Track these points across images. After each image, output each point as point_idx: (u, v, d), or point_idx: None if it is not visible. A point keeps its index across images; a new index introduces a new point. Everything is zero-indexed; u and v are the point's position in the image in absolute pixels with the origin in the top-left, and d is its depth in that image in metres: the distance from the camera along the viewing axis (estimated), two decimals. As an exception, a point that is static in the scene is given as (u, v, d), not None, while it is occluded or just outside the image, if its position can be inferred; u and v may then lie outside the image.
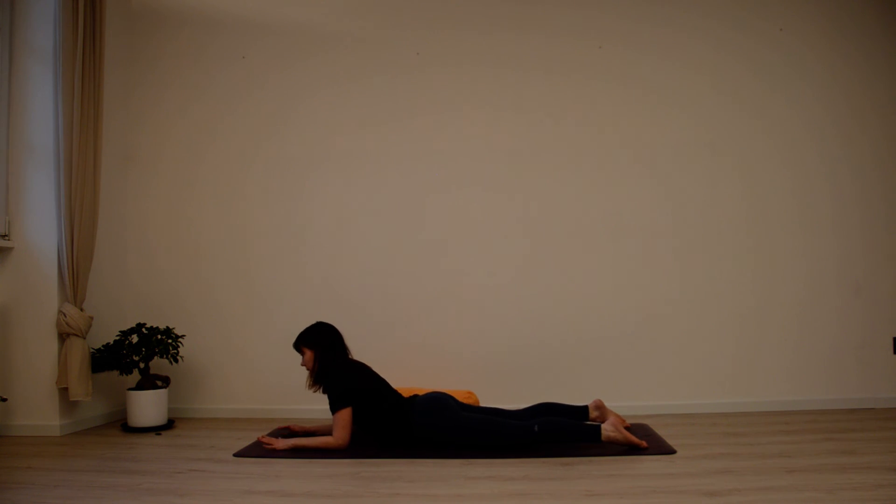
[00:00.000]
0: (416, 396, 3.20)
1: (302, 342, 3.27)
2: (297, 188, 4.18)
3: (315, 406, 3.83)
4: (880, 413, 3.72)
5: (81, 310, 3.64)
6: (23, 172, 3.67)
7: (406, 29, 4.19)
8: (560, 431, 3.00)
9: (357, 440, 3.17)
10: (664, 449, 2.97)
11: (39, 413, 3.57)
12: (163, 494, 2.45)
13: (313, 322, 3.36)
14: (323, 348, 3.23)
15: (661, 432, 3.33)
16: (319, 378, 3.23)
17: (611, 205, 4.06)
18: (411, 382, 3.95)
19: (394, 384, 3.62)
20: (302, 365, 3.28)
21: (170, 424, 3.77)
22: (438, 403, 3.11)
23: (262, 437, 3.22)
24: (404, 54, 4.17)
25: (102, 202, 3.90)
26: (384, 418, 3.13)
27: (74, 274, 3.60)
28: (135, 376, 3.92)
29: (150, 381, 3.74)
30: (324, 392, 3.22)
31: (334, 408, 3.09)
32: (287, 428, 3.50)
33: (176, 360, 3.84)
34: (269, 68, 4.23)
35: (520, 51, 4.13)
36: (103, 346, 3.76)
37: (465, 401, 3.62)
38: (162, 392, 3.74)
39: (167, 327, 3.85)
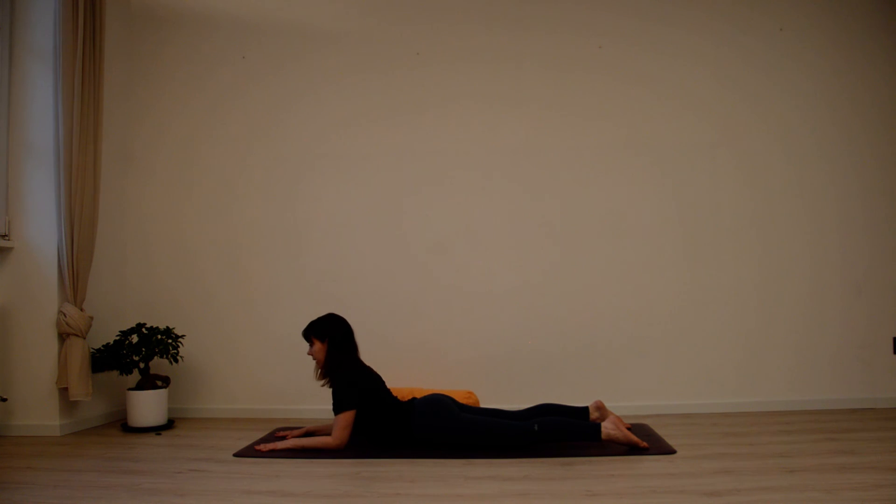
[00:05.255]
0: (414, 399, 3.18)
1: (312, 332, 3.21)
2: (296, 188, 4.18)
3: (315, 406, 3.83)
4: (881, 413, 3.72)
5: (81, 310, 3.64)
6: (23, 172, 3.67)
7: (405, 27, 4.18)
8: (560, 430, 3.00)
9: (356, 440, 3.16)
10: (664, 449, 2.97)
11: (39, 413, 3.57)
12: (163, 494, 2.45)
13: (315, 318, 3.27)
14: (332, 341, 3.18)
15: (661, 432, 3.33)
16: (327, 372, 3.18)
17: (611, 204, 4.06)
18: (411, 382, 3.95)
19: (393, 384, 3.62)
20: (308, 354, 3.23)
21: (170, 424, 3.77)
22: (437, 405, 3.09)
23: (258, 445, 3.15)
24: (403, 52, 4.17)
25: (102, 202, 3.90)
26: (384, 421, 3.11)
27: (74, 274, 3.60)
28: (135, 376, 3.92)
29: (150, 381, 3.74)
30: (328, 387, 3.19)
31: (338, 408, 3.06)
32: (280, 430, 3.46)
33: (176, 360, 3.84)
34: (267, 67, 4.23)
35: (520, 48, 4.12)
36: (103, 346, 3.76)
37: (464, 401, 3.61)
38: (162, 392, 3.74)
39: (167, 327, 3.85)
